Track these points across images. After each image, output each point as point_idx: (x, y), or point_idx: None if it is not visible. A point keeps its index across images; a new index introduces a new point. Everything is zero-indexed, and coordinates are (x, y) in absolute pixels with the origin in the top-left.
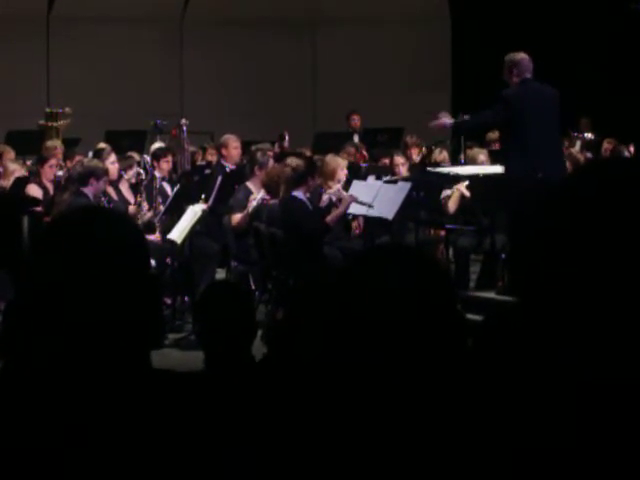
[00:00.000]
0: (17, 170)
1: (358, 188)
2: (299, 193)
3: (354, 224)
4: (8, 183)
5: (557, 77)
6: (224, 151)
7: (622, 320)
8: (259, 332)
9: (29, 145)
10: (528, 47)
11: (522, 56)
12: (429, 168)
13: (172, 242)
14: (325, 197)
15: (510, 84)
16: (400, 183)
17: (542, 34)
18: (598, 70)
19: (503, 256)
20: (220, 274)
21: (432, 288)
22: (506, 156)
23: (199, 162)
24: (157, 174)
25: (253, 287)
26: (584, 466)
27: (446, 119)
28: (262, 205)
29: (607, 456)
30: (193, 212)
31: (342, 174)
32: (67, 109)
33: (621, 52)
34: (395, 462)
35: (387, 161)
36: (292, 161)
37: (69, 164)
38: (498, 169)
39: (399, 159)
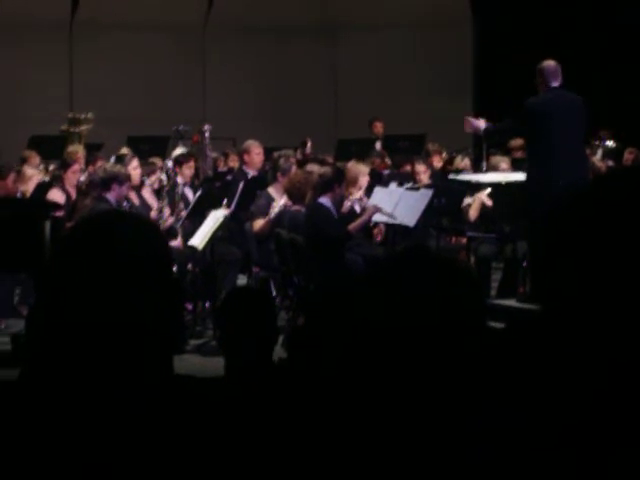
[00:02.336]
0: (35, 175)
1: (380, 195)
2: (325, 200)
3: (375, 231)
4: (26, 188)
5: (579, 84)
6: (246, 157)
7: None
8: (280, 338)
9: (52, 150)
10: (549, 53)
11: (548, 63)
12: (451, 175)
13: (194, 248)
14: (347, 204)
15: (539, 92)
16: (422, 190)
17: (565, 40)
18: (620, 78)
19: (524, 264)
20: (242, 280)
21: (456, 294)
22: (528, 164)
23: (221, 168)
24: (179, 180)
25: (274, 293)
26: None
27: (481, 122)
28: (284, 211)
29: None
30: (215, 218)
31: (364, 181)
32: (90, 114)
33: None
34: (415, 468)
35: (409, 168)
36: (318, 168)
37: (91, 169)
38: (520, 177)
39: (420, 167)
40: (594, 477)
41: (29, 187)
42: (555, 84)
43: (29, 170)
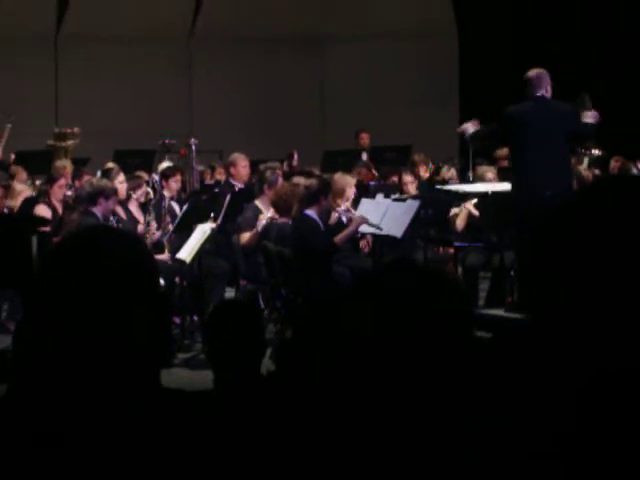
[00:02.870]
0: (24, 191)
1: (367, 206)
2: (312, 212)
3: (362, 242)
4: (15, 203)
5: (564, 94)
6: (233, 170)
7: (637, 337)
8: (268, 351)
9: (38, 165)
10: (535, 63)
11: (531, 72)
12: (437, 186)
13: (181, 261)
14: (334, 215)
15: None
16: (409, 201)
17: (551, 49)
18: (606, 87)
19: (512, 273)
20: (229, 293)
21: (443, 306)
22: (512, 172)
23: (208, 181)
24: (166, 193)
25: (262, 306)
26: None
27: (470, 126)
28: (271, 224)
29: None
30: (202, 231)
31: (351, 192)
32: (76, 129)
33: (626, 68)
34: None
35: (396, 179)
36: (305, 180)
37: (78, 184)
38: (506, 186)
39: (408, 177)
40: None
41: (18, 202)
42: (539, 93)
43: (18, 185)
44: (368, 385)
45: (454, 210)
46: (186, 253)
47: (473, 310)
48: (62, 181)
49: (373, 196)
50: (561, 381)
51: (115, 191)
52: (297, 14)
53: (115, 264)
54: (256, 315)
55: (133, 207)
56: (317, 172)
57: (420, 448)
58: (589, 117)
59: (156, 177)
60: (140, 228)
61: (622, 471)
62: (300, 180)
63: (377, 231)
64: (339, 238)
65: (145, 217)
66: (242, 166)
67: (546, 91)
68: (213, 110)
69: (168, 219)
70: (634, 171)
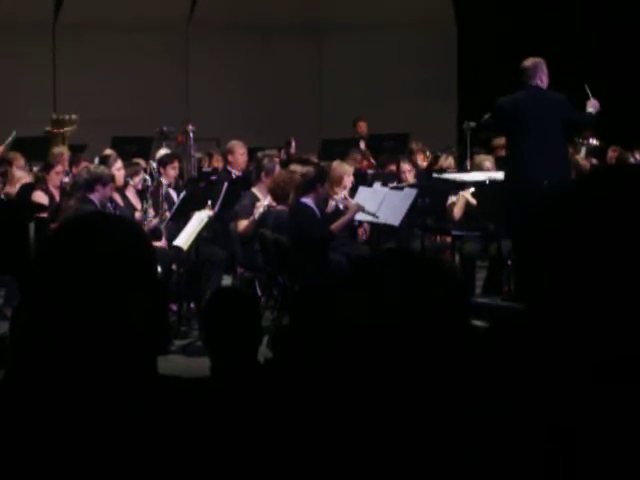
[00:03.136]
0: (23, 177)
1: (364, 195)
2: (308, 200)
3: (360, 230)
4: (14, 190)
5: (563, 84)
6: (230, 157)
7: (632, 327)
8: (265, 338)
9: (36, 151)
10: (534, 54)
11: (530, 62)
12: (435, 174)
13: (178, 248)
14: (332, 203)
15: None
16: (406, 190)
17: (549, 40)
18: (603, 76)
19: (509, 262)
20: (226, 280)
21: (439, 295)
22: (505, 162)
23: (205, 168)
24: (163, 180)
25: (259, 293)
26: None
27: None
28: (268, 211)
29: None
30: (199, 218)
31: (348, 180)
32: (73, 116)
33: (623, 59)
34: (396, 467)
35: (393, 167)
36: (301, 167)
37: (75, 170)
38: (504, 175)
39: (406, 166)
40: (580, 473)
41: (16, 189)
42: (533, 82)
43: (18, 172)
44: (364, 373)
45: (452, 199)
46: (183, 240)
47: (470, 299)
48: (59, 167)
49: (371, 184)
50: (557, 370)
51: (112, 178)
52: (296, 2)
53: (112, 250)
54: (253, 303)
55: (130, 194)
56: (315, 160)
57: (416, 436)
58: (590, 106)
59: (154, 164)
60: (137, 215)
61: (618, 459)
62: (297, 168)
63: (373, 219)
64: (335, 226)
65: (142, 204)
66: (240, 153)
67: (541, 81)
68: (211, 98)
69: (165, 206)
70: (631, 160)
